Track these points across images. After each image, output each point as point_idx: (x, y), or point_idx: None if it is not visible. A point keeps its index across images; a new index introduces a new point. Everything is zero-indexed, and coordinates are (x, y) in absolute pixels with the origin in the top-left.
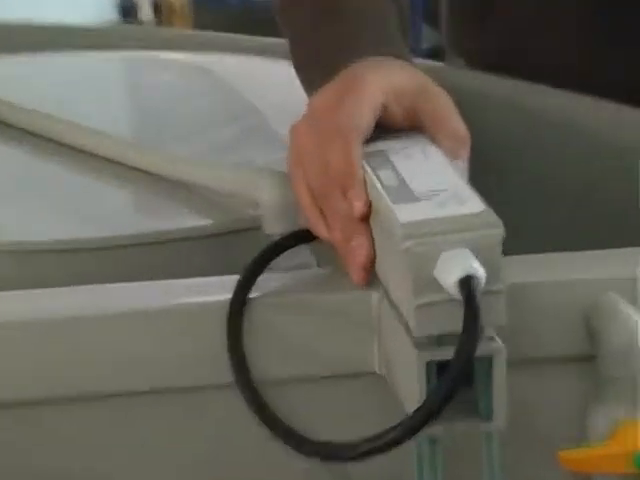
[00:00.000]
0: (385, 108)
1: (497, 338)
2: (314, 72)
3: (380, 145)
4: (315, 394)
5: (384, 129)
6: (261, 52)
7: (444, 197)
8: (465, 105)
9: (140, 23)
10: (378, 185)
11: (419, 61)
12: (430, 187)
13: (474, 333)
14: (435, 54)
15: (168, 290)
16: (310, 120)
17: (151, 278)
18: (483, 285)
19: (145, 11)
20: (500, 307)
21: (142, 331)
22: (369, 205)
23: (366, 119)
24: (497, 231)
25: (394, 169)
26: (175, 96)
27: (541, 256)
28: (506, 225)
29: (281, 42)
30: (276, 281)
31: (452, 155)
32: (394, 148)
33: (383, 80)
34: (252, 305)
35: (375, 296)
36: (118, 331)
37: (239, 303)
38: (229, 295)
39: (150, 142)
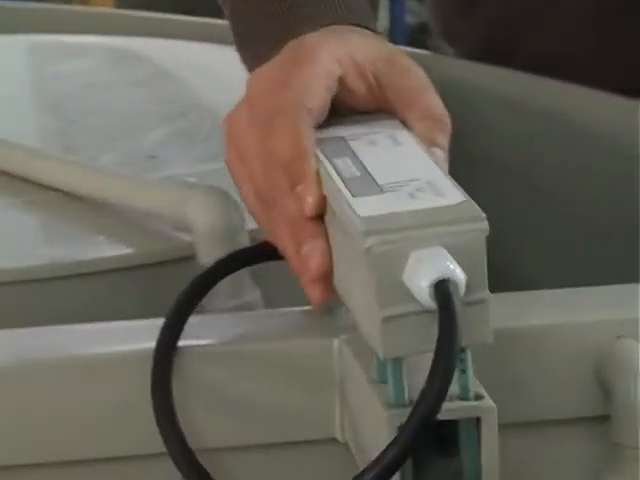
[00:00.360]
0: (343, 83)
1: (486, 395)
2: (258, 46)
3: (338, 130)
4: (264, 463)
5: (345, 112)
6: (199, 35)
7: (415, 187)
8: (454, 98)
9: None
10: (335, 176)
11: (402, 49)
12: (399, 177)
13: (451, 348)
14: (421, 30)
15: (76, 336)
16: (249, 105)
17: (63, 318)
18: (463, 292)
19: None
20: (485, 321)
21: (41, 389)
22: (323, 201)
23: (318, 96)
24: (479, 225)
25: (355, 158)
26: (96, 89)
27: (538, 293)
28: (494, 226)
29: (222, 24)
30: (213, 325)
31: (428, 141)
32: (355, 133)
33: (339, 49)
34: (181, 355)
35: (337, 344)
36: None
37: (165, 352)
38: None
39: (62, 150)
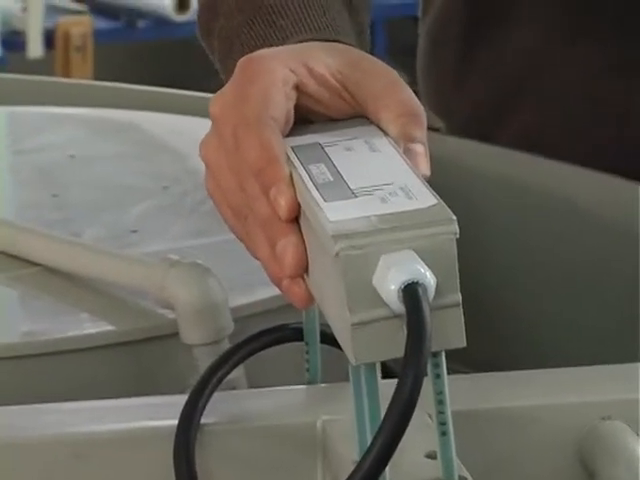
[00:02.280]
0: (303, 91)
1: (469, 477)
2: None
3: (315, 137)
4: None
5: (323, 121)
6: (183, 108)
7: (388, 191)
8: (445, 176)
9: (27, 61)
10: (308, 182)
11: None
12: (372, 182)
13: (420, 351)
14: None
15: (70, 414)
16: (215, 128)
17: (44, 396)
18: (433, 296)
19: (35, 46)
20: (457, 325)
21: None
22: (297, 205)
23: (278, 104)
24: (450, 228)
25: (330, 164)
26: (78, 161)
27: (522, 373)
28: (495, 309)
29: (204, 96)
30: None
31: (406, 138)
32: (332, 140)
33: (290, 59)
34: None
35: (320, 422)
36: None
37: (190, 428)
38: (169, 420)
39: (44, 224)
